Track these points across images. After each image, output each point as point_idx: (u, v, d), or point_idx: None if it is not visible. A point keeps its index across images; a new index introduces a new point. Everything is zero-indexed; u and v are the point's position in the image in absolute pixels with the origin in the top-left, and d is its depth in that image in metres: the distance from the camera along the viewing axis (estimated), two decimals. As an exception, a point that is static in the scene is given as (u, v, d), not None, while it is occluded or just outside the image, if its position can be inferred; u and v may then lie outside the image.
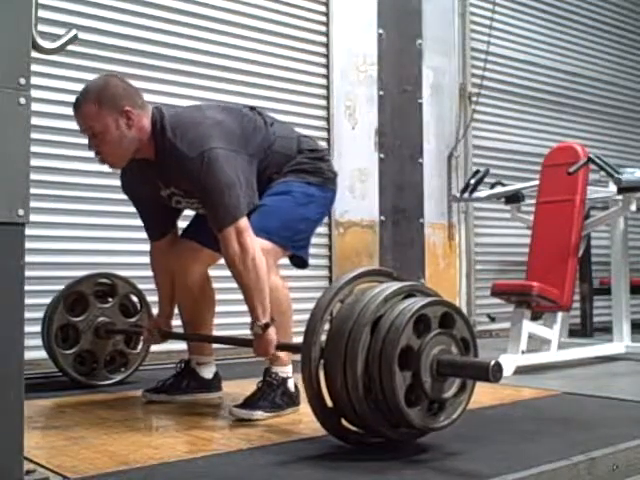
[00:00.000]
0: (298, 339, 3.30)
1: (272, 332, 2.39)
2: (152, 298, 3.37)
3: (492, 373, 1.81)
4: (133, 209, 3.38)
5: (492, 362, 1.81)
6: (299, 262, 2.68)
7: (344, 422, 2.01)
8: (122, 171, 2.71)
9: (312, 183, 2.63)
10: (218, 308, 2.91)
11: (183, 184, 2.48)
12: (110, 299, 3.14)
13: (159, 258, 2.79)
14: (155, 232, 2.77)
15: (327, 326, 2.04)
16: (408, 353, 1.85)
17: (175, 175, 2.46)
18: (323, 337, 2.02)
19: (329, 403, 2.00)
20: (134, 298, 3.22)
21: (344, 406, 1.94)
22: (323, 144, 4.54)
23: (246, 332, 3.82)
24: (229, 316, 3.72)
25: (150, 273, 3.18)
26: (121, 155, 2.48)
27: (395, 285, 2.01)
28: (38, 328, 3.35)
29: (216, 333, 2.92)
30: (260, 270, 2.37)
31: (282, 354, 2.54)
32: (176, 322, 2.92)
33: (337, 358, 1.91)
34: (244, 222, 2.38)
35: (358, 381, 1.86)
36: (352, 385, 1.88)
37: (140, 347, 3.23)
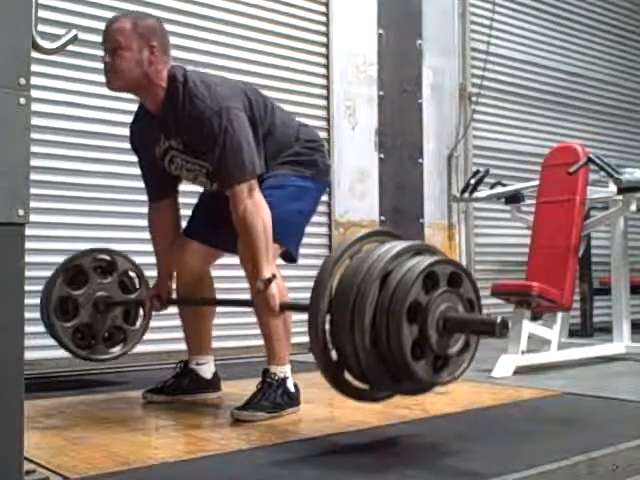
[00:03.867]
0: (298, 339, 3.30)
1: (274, 287, 2.38)
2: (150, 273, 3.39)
3: (499, 329, 1.84)
4: (133, 209, 3.39)
5: (499, 318, 1.85)
6: (289, 257, 2.70)
7: (348, 377, 2.01)
8: (132, 122, 2.75)
9: (307, 176, 2.65)
10: (218, 308, 2.91)
11: (190, 136, 2.47)
12: (109, 275, 3.13)
13: (158, 221, 2.79)
14: (154, 192, 2.77)
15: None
16: (416, 308, 1.86)
17: (184, 126, 2.46)
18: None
19: (334, 357, 2.00)
20: (133, 275, 3.20)
21: (349, 359, 1.94)
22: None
23: (246, 332, 3.85)
24: (230, 316, 3.73)
25: (144, 273, 3.20)
26: (126, 80, 2.48)
27: (404, 243, 2.02)
28: (38, 328, 3.36)
29: (216, 333, 2.92)
30: (268, 226, 2.41)
31: (282, 354, 2.54)
32: (175, 322, 2.92)
33: (345, 311, 1.91)
34: (255, 181, 2.43)
35: (365, 333, 1.86)
36: (359, 337, 1.88)
37: (139, 323, 3.22)
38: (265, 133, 2.58)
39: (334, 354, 2.00)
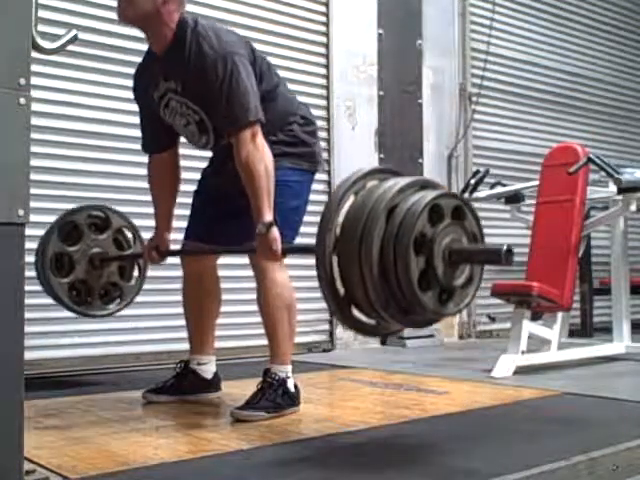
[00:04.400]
0: (298, 339, 3.30)
1: (275, 231, 2.39)
2: (145, 298, 3.39)
3: (505, 256, 1.89)
4: (132, 209, 3.39)
5: (504, 246, 1.89)
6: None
7: (355, 311, 2.02)
8: (136, 70, 2.77)
9: (305, 170, 2.66)
10: (223, 308, 2.91)
11: (193, 79, 2.47)
12: (103, 231, 3.11)
13: (156, 174, 2.80)
14: (150, 143, 2.79)
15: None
16: (422, 240, 1.88)
17: (188, 68, 2.47)
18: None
19: (341, 291, 2.00)
20: (127, 232, 3.19)
21: (358, 294, 1.94)
22: (323, 144, 4.54)
23: (246, 332, 3.85)
24: (230, 316, 3.72)
25: (152, 273, 3.19)
26: (138, 12, 2.47)
27: (408, 178, 2.03)
28: (38, 328, 3.37)
29: (219, 333, 2.92)
30: (270, 169, 2.42)
31: (284, 354, 2.55)
32: (175, 322, 2.92)
33: (353, 244, 1.92)
34: (258, 127, 2.44)
35: (373, 266, 1.87)
36: (367, 270, 1.88)
37: (134, 280, 3.20)
38: (266, 92, 2.58)
39: (342, 290, 1.99)
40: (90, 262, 3.05)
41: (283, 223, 2.50)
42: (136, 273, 3.22)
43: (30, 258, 2.91)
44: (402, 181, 1.99)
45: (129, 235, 3.19)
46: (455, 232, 1.95)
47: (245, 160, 2.41)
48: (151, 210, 2.85)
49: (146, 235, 2.99)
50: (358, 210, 1.95)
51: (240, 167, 2.44)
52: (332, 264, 1.97)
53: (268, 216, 2.39)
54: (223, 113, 2.45)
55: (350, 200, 2.02)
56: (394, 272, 1.87)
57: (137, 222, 3.24)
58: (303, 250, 2.38)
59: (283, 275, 2.56)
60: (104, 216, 3.12)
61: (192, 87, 2.51)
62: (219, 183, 2.72)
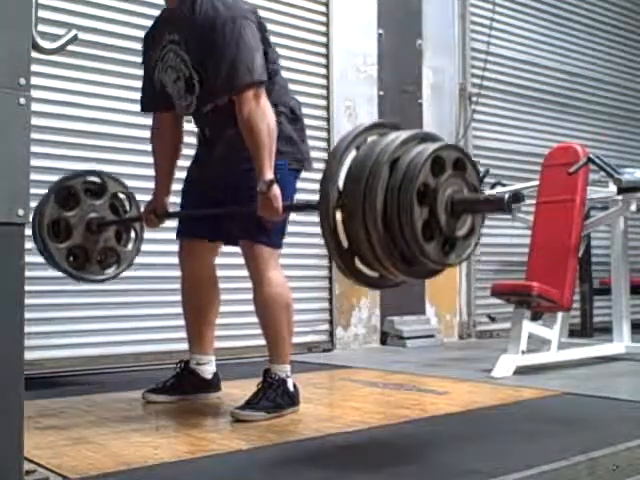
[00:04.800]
0: (298, 339, 3.30)
1: (276, 188, 2.39)
2: (145, 298, 3.38)
3: (507, 205, 1.91)
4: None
5: (507, 194, 1.92)
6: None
7: (358, 264, 2.02)
8: (146, 33, 2.78)
9: (293, 169, 2.64)
10: (223, 308, 2.92)
11: (198, 35, 2.49)
12: (100, 197, 3.08)
13: (157, 136, 2.80)
14: (150, 102, 2.79)
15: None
16: (425, 190, 1.90)
17: (197, 23, 2.49)
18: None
19: (344, 244, 2.01)
20: (123, 197, 3.15)
21: (362, 245, 1.95)
22: (323, 144, 4.54)
23: (246, 332, 3.85)
24: (230, 316, 3.72)
25: (143, 273, 3.18)
26: None
27: (409, 132, 2.05)
28: (38, 328, 3.36)
29: (216, 333, 2.92)
30: (272, 128, 2.44)
31: (284, 354, 2.55)
32: (175, 322, 2.92)
33: (356, 197, 1.93)
34: (262, 88, 2.46)
35: (377, 217, 1.89)
36: (371, 221, 1.90)
37: (131, 245, 3.18)
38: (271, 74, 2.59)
39: (345, 243, 2.00)
40: (87, 227, 3.02)
41: (278, 229, 2.53)
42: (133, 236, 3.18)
43: (30, 258, 2.90)
44: (403, 134, 2.01)
45: (125, 200, 3.16)
46: (457, 183, 1.97)
47: (247, 117, 2.42)
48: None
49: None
50: (360, 164, 1.97)
51: (242, 125, 2.44)
52: (335, 218, 1.98)
53: (269, 174, 2.39)
54: (227, 72, 2.44)
55: (352, 154, 2.04)
56: (398, 223, 1.88)
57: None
58: (306, 207, 2.38)
59: (279, 275, 2.57)
60: (100, 181, 3.10)
61: (196, 43, 2.51)
62: (207, 174, 2.70)
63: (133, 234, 3.18)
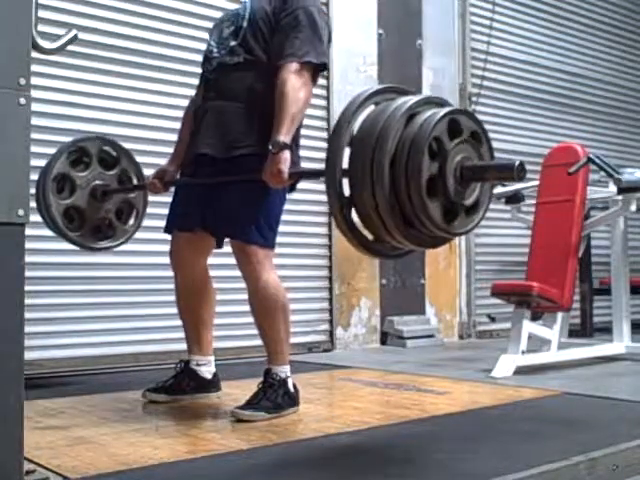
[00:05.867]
0: (298, 339, 3.29)
1: (287, 153, 2.38)
2: (145, 298, 3.38)
3: (517, 172, 1.87)
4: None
5: (517, 162, 1.88)
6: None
7: (356, 219, 1.98)
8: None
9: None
10: (218, 308, 2.91)
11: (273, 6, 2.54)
12: (111, 168, 3.07)
13: (189, 113, 2.77)
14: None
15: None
16: (438, 145, 1.88)
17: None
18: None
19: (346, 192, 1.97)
20: (133, 176, 3.13)
21: (364, 193, 1.90)
22: (323, 144, 4.53)
23: (246, 332, 3.84)
24: (230, 316, 3.73)
25: (144, 273, 3.17)
26: None
27: (432, 95, 2.06)
28: (38, 328, 3.36)
29: (216, 333, 2.92)
30: (304, 102, 2.45)
31: (283, 354, 2.55)
32: (175, 322, 2.92)
33: (367, 142, 1.91)
34: (311, 72, 2.49)
35: (385, 164, 1.86)
36: (378, 169, 1.86)
37: (130, 224, 3.15)
38: None
39: (347, 192, 1.96)
40: (91, 192, 3.00)
41: (271, 229, 2.54)
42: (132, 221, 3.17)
43: (30, 258, 2.90)
44: (426, 96, 2.01)
45: (134, 179, 3.14)
46: (470, 152, 1.94)
47: (287, 81, 2.43)
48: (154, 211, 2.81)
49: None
50: (377, 114, 1.95)
51: (279, 85, 2.44)
52: (342, 168, 1.95)
53: (284, 136, 2.38)
54: (294, 43, 2.47)
55: (368, 109, 2.02)
56: (404, 173, 1.85)
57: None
58: (313, 174, 2.38)
59: (273, 276, 2.56)
60: (115, 154, 3.08)
61: (270, 3, 2.54)
62: (198, 150, 2.63)
63: (134, 213, 3.15)
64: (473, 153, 1.95)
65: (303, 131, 2.87)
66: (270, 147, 2.37)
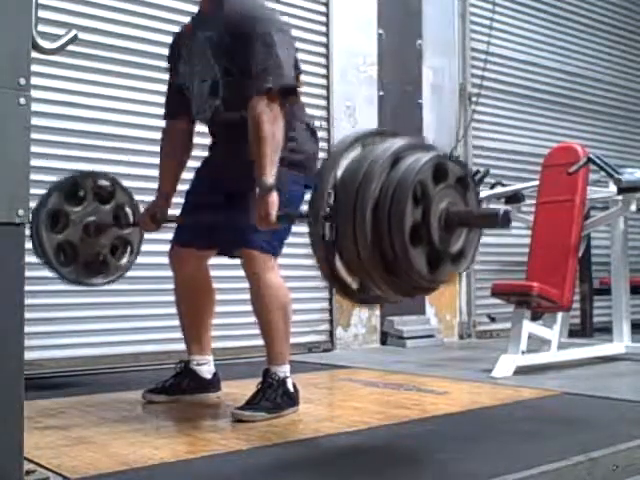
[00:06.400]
0: (297, 339, 3.29)
1: (274, 195, 2.38)
2: (145, 298, 3.38)
3: (501, 220, 1.85)
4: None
5: (501, 210, 1.87)
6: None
7: (338, 263, 1.95)
8: (175, 35, 2.83)
9: (300, 177, 2.62)
10: (218, 308, 2.91)
11: (230, 33, 2.51)
12: (106, 203, 3.06)
13: (167, 141, 2.81)
14: (170, 109, 2.81)
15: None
16: (423, 190, 1.84)
17: (231, 25, 2.51)
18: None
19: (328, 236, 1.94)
20: (129, 210, 3.13)
21: (346, 241, 1.87)
22: (323, 144, 4.53)
23: (246, 332, 3.84)
24: (230, 316, 3.73)
25: (143, 273, 3.17)
26: None
27: (417, 138, 2.05)
28: (38, 328, 3.36)
29: (216, 333, 2.92)
30: (278, 136, 2.43)
31: (282, 354, 2.55)
32: (175, 322, 2.92)
33: (350, 190, 1.88)
34: (278, 98, 2.46)
35: (367, 209, 1.82)
36: (360, 214, 1.83)
37: (124, 260, 3.15)
38: None
39: (329, 235, 1.93)
40: (85, 228, 2.99)
41: (283, 232, 2.56)
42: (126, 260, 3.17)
43: (30, 258, 2.90)
44: (411, 140, 1.98)
45: (130, 214, 3.14)
46: (455, 198, 1.91)
47: (257, 119, 2.42)
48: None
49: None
50: (360, 160, 1.93)
51: (250, 124, 2.44)
52: (326, 215, 1.92)
53: (270, 179, 2.39)
54: (257, 73, 2.45)
55: (353, 153, 1.99)
56: (387, 219, 1.81)
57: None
58: (299, 217, 2.37)
59: (276, 276, 2.56)
60: (111, 189, 3.08)
61: (228, 44, 2.52)
62: (214, 177, 2.70)
63: (129, 249, 3.16)
64: (459, 199, 1.93)
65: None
66: (257, 192, 2.39)
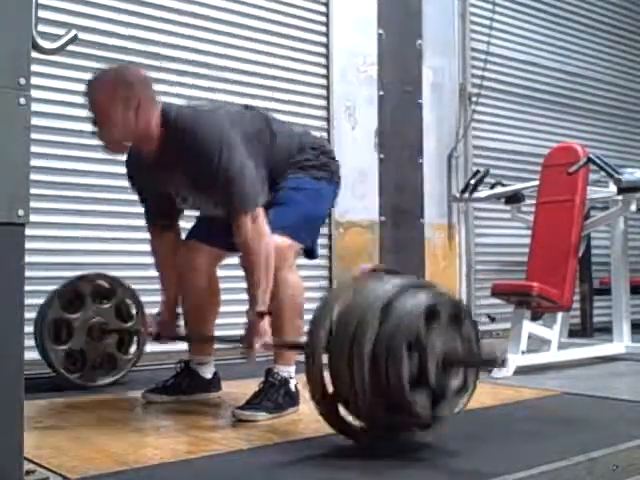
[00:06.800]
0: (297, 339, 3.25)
1: (266, 324, 2.38)
2: (145, 298, 3.38)
3: (500, 363, 1.85)
4: (132, 209, 3.37)
5: (499, 354, 1.86)
6: (310, 253, 2.75)
7: (342, 411, 1.99)
8: (127, 160, 2.71)
9: (320, 177, 2.68)
10: (224, 308, 2.92)
11: (192, 173, 2.44)
12: (106, 301, 3.12)
13: (162, 251, 2.77)
14: (155, 213, 2.76)
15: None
16: (417, 343, 1.86)
17: (185, 165, 2.44)
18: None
19: (330, 390, 1.99)
20: (130, 303, 3.20)
21: (345, 392, 1.92)
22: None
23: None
24: (230, 316, 3.72)
25: (147, 273, 3.19)
26: (122, 145, 2.50)
27: (408, 278, 2.04)
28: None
29: (216, 333, 2.92)
30: (270, 257, 2.41)
31: (288, 354, 2.55)
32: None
33: (344, 343, 1.90)
34: (260, 210, 2.42)
35: (364, 362, 1.85)
36: (358, 366, 1.86)
37: (132, 352, 3.21)
38: (268, 151, 2.58)
39: (330, 388, 1.98)
40: (89, 331, 3.04)
41: (297, 223, 2.57)
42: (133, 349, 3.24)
43: (30, 258, 2.90)
44: (400, 280, 2.00)
45: (131, 306, 3.20)
46: (450, 335, 1.93)
47: (246, 243, 2.40)
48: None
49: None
50: (353, 308, 1.95)
51: (240, 247, 2.43)
52: (322, 364, 1.96)
53: (262, 306, 2.38)
54: (223, 199, 2.44)
55: (345, 298, 2.02)
56: (385, 373, 1.85)
57: (134, 222, 3.23)
58: (295, 347, 2.40)
59: (295, 276, 2.57)
60: (109, 286, 3.13)
61: (198, 180, 2.46)
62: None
63: (135, 342, 3.21)
64: (455, 335, 1.95)
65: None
66: (248, 318, 2.39)
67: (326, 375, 1.96)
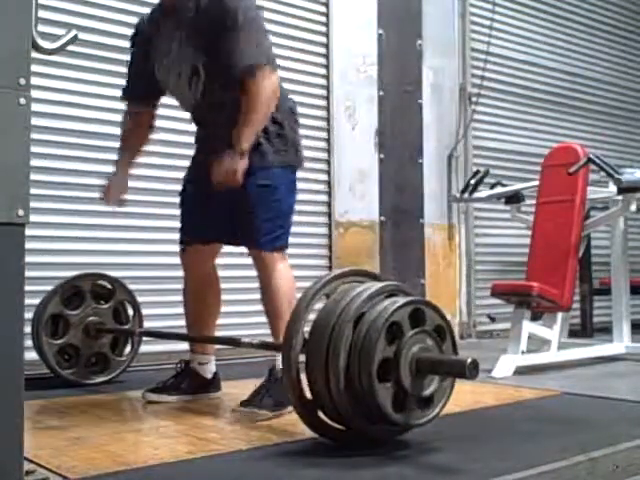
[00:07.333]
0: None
1: (245, 162, 2.43)
2: (145, 298, 3.39)
3: (468, 370, 1.87)
4: (132, 209, 3.38)
5: (469, 359, 1.87)
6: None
7: (322, 416, 2.03)
8: (140, 20, 2.85)
9: (292, 166, 2.69)
10: (224, 308, 2.92)
11: (206, 24, 2.51)
12: (105, 301, 3.15)
13: (130, 127, 2.85)
14: (132, 90, 2.82)
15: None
16: (386, 362, 1.89)
17: (201, 13, 2.52)
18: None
19: (308, 396, 2.02)
20: (128, 306, 3.22)
21: (324, 398, 1.96)
22: (323, 144, 4.54)
23: (247, 332, 3.85)
24: (230, 316, 3.72)
25: (146, 273, 3.19)
26: None
27: (378, 284, 2.05)
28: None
29: (220, 333, 2.92)
30: (271, 107, 2.49)
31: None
32: (175, 322, 2.92)
33: (320, 350, 1.94)
34: (273, 70, 2.50)
35: (340, 374, 1.89)
36: (334, 378, 1.90)
37: (126, 354, 3.23)
38: None
39: (308, 393, 2.01)
40: (85, 329, 3.07)
41: (285, 223, 2.61)
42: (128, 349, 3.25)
43: (30, 258, 2.91)
44: (372, 287, 2.01)
45: (129, 309, 3.22)
46: (419, 340, 1.94)
47: (261, 87, 2.45)
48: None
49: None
50: (327, 316, 1.98)
51: (252, 91, 2.46)
52: (299, 369, 2.00)
53: (245, 144, 2.43)
54: (243, 46, 2.46)
55: (321, 303, 2.07)
56: (359, 384, 1.88)
57: (134, 222, 3.23)
58: (272, 348, 2.44)
59: (286, 275, 2.61)
60: (109, 287, 3.16)
61: (204, 32, 2.52)
62: (205, 174, 2.64)
63: (130, 340, 3.24)
64: (434, 346, 1.96)
65: (303, 131, 2.89)
66: (231, 152, 2.42)
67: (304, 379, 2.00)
